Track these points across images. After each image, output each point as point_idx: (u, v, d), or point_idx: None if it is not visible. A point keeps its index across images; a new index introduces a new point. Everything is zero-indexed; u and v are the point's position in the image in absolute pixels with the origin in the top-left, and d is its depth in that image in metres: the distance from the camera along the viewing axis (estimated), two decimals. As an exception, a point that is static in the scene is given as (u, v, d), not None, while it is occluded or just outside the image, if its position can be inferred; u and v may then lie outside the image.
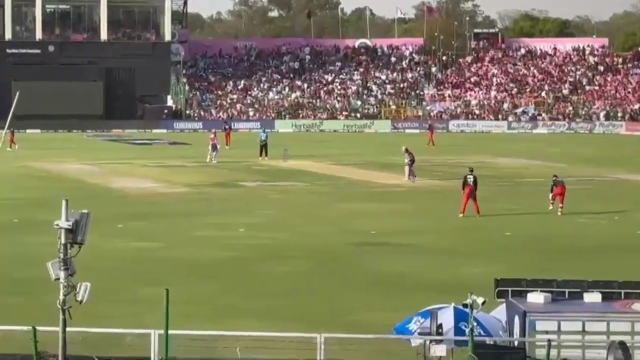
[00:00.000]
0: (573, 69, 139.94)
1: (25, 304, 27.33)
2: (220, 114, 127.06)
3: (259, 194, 60.85)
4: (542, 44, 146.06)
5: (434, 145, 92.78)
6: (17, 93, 24.02)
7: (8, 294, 31.37)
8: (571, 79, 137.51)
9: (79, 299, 14.16)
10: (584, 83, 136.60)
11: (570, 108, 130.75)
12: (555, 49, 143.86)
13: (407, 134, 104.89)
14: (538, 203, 52.84)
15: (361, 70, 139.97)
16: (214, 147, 79.77)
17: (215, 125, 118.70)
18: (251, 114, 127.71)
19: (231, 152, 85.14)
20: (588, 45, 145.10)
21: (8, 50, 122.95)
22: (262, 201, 57.33)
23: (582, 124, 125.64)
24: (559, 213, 51.13)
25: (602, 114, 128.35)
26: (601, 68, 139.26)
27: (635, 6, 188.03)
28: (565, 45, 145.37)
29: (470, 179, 52.20)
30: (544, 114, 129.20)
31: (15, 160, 61.40)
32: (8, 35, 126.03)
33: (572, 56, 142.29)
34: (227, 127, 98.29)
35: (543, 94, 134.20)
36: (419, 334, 26.56)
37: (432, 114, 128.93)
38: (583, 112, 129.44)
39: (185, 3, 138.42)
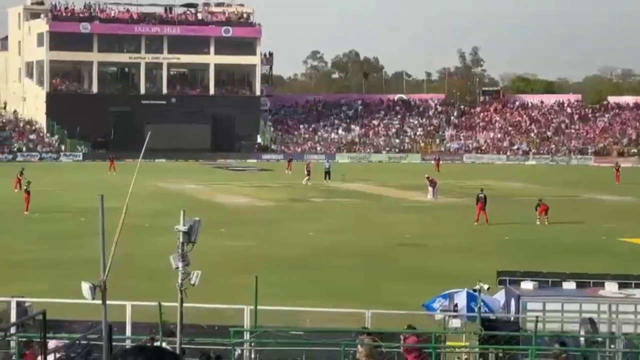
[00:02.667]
0: (555, 117, 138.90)
1: (154, 286, 27.44)
2: (296, 148, 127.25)
3: (324, 207, 60.84)
4: (532, 99, 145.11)
5: (439, 172, 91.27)
6: (149, 133, 24.03)
7: (142, 279, 31.57)
8: (554, 124, 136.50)
9: (192, 282, 14.17)
10: (563, 127, 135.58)
11: (553, 146, 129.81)
12: (542, 102, 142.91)
13: (431, 164, 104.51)
14: (528, 215, 52.52)
15: (399, 117, 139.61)
16: (309, 173, 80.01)
17: (294, 156, 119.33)
18: (318, 148, 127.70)
19: (294, 176, 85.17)
20: (566, 100, 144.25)
21: (142, 102, 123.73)
22: (326, 213, 57.30)
23: (562, 157, 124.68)
24: (546, 223, 50.90)
25: (576, 150, 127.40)
26: (576, 117, 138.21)
27: (602, 70, 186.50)
28: (550, 99, 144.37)
29: (482, 196, 52.24)
30: (533, 150, 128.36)
31: (148, 181, 61.77)
32: (142, 91, 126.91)
33: (555, 107, 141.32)
34: (290, 158, 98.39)
35: (532, 135, 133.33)
36: (441, 310, 26.43)
37: (450, 149, 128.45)
38: (563, 149, 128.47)
39: (270, 68, 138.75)
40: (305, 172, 79.92)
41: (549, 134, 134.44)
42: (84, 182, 73.41)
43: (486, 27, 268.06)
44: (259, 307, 22.98)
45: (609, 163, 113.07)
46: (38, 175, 63.98)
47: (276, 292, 27.99)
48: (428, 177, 67.55)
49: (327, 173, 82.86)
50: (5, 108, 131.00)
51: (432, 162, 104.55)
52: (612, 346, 22.60)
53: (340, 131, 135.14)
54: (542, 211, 51.76)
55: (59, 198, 61.81)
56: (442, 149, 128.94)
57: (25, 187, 56.26)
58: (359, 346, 18.85)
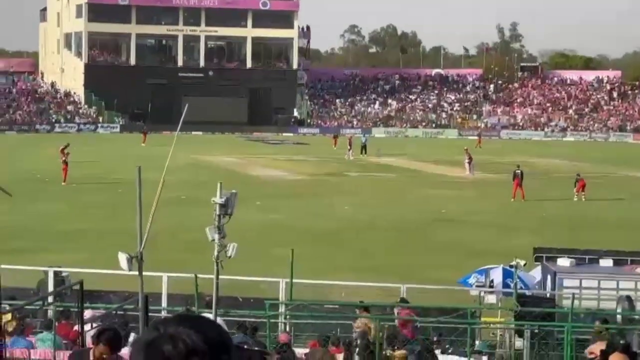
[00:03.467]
0: (594, 93, 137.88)
1: (190, 258, 27.55)
2: (332, 122, 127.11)
3: (359, 182, 60.81)
4: (571, 75, 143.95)
5: (481, 147, 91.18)
6: (186, 105, 24.05)
7: (178, 251, 31.71)
8: (592, 101, 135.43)
9: (228, 255, 14.19)
10: (602, 104, 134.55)
11: (591, 122, 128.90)
12: (581, 78, 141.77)
13: (469, 140, 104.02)
14: (566, 192, 52.27)
15: (436, 92, 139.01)
16: (350, 148, 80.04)
17: (329, 131, 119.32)
18: (354, 122, 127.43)
19: (339, 151, 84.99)
20: (606, 76, 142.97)
21: (179, 74, 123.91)
22: (361, 187, 57.29)
23: (600, 134, 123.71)
24: (583, 199, 50.75)
25: (615, 128, 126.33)
26: (615, 93, 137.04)
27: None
28: (589, 76, 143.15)
29: (518, 172, 52.09)
30: (571, 127, 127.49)
31: (185, 153, 61.85)
32: (180, 63, 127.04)
33: (594, 84, 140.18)
34: (336, 134, 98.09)
35: (571, 111, 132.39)
36: (476, 286, 26.40)
37: (487, 125, 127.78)
38: (601, 126, 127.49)
39: (308, 41, 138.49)
40: (348, 147, 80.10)
41: (587, 110, 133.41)
42: (121, 154, 73.72)
43: (526, 2, 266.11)
44: (294, 280, 23.04)
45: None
46: (75, 146, 64.20)
47: (311, 265, 28.02)
48: (467, 150, 67.16)
49: (364, 147, 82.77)
50: (43, 79, 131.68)
51: (476, 137, 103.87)
52: (649, 324, 22.46)
53: (376, 106, 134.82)
54: (580, 187, 51.72)
55: (96, 169, 62.14)
56: (479, 124, 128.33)
57: (64, 159, 56.65)
58: (357, 320, 18.90)
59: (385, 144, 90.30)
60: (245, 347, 13.23)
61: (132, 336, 14.64)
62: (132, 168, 12.00)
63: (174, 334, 2.40)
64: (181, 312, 2.30)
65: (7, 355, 11.56)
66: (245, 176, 59.83)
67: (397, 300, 21.71)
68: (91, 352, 9.66)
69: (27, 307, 18.15)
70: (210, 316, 15.25)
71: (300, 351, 17.06)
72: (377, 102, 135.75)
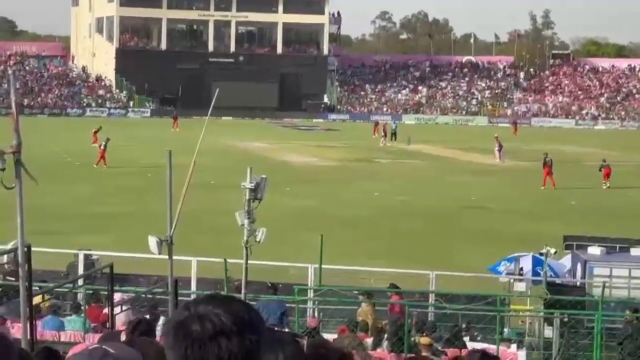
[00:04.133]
0: (626, 81, 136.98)
1: (220, 242, 27.61)
2: (362, 108, 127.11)
3: (390, 168, 60.75)
4: (603, 63, 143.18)
5: (516, 135, 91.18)
6: (217, 90, 24.07)
7: (208, 235, 31.79)
8: (624, 89, 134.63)
9: (258, 239, 14.20)
10: (634, 92, 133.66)
11: (623, 111, 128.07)
12: (613, 66, 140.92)
13: (499, 127, 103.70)
14: (596, 181, 52.01)
15: (467, 79, 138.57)
16: (385, 135, 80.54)
17: (359, 117, 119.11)
18: (384, 109, 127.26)
19: (376, 138, 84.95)
20: (639, 64, 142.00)
21: (210, 59, 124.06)
22: (391, 173, 57.23)
23: (632, 122, 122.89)
24: (604, 187, 50.80)
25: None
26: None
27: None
28: (621, 63, 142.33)
29: (548, 160, 51.99)
30: (602, 115, 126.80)
31: (215, 138, 61.97)
32: (210, 49, 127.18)
33: (626, 72, 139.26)
34: (377, 121, 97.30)
35: (602, 99, 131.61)
36: (506, 274, 26.32)
37: (518, 112, 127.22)
38: (633, 114, 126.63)
39: (339, 27, 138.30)
40: (382, 134, 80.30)
41: (619, 98, 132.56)
42: (152, 138, 73.97)
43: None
44: (323, 266, 23.03)
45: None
46: (106, 130, 64.55)
47: (340, 251, 28.02)
48: (497, 137, 67.21)
49: (394, 134, 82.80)
50: (74, 63, 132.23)
51: (510, 125, 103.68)
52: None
53: (407, 92, 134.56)
54: (605, 175, 51.73)
55: (127, 153, 62.37)
56: (510, 112, 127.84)
57: (103, 143, 57.22)
58: (363, 304, 18.90)
59: (415, 131, 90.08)
60: (276, 328, 13.23)
61: (161, 320, 14.67)
62: (162, 152, 12.02)
63: (202, 314, 2.39)
64: (212, 293, 2.28)
65: (38, 337, 11.61)
66: (275, 162, 59.86)
67: (387, 285, 21.72)
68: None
69: (57, 289, 18.24)
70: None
71: (328, 337, 17.06)
72: (408, 89, 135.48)
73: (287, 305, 20.80)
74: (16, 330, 12.35)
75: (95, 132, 67.25)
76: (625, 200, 46.74)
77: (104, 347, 3.22)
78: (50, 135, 74.67)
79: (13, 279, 16.92)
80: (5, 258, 20.94)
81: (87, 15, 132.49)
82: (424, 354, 14.04)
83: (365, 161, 64.50)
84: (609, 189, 50.52)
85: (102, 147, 56.67)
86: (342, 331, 18.41)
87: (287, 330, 15.12)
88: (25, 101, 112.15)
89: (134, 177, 50.53)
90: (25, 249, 9.79)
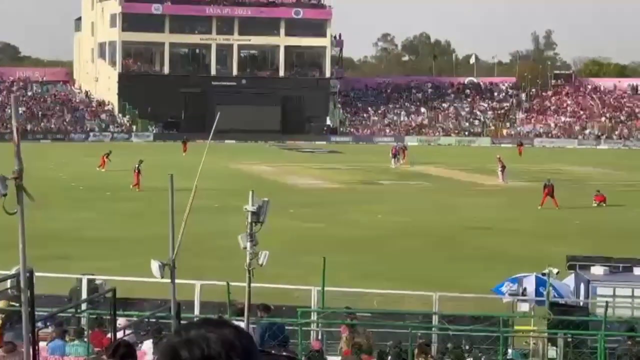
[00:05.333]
0: (628, 101, 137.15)
1: (222, 265, 27.60)
2: (365, 130, 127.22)
3: (393, 190, 60.80)
4: (605, 82, 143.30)
5: (520, 156, 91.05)
6: (219, 113, 24.16)
7: (211, 258, 31.78)
8: (627, 109, 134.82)
9: (260, 262, 14.21)
10: (637, 112, 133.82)
11: (625, 130, 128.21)
12: (615, 86, 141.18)
13: (502, 148, 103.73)
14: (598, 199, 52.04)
15: (469, 100, 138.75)
16: (395, 156, 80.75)
17: (362, 139, 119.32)
18: (387, 131, 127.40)
19: (376, 158, 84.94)
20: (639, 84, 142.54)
21: (213, 83, 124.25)
22: (394, 195, 57.27)
23: (635, 142, 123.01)
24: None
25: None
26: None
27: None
28: (623, 83, 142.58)
29: (549, 184, 52.19)
30: (605, 135, 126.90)
31: (218, 161, 61.99)
32: (213, 72, 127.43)
33: (628, 92, 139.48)
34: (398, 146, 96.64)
35: (604, 119, 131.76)
36: (509, 294, 26.31)
37: (521, 133, 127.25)
38: (636, 134, 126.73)
39: (340, 50, 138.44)
40: (391, 156, 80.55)
41: (621, 118, 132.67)
42: (155, 162, 73.96)
43: (559, 10, 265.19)
44: (326, 288, 23.03)
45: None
46: (117, 154, 64.83)
47: (344, 273, 28.02)
48: (499, 158, 67.25)
49: (396, 155, 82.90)
50: (77, 87, 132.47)
51: (515, 145, 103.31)
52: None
53: (409, 114, 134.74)
54: (600, 200, 52.22)
55: (131, 177, 62.38)
56: (513, 132, 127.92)
57: (136, 166, 57.54)
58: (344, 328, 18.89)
59: (418, 152, 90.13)
60: (273, 352, 13.22)
61: (144, 343, 14.70)
62: (166, 176, 12.07)
63: (192, 339, 2.42)
64: (206, 317, 2.28)
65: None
66: (278, 184, 59.90)
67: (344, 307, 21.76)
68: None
69: (59, 314, 18.24)
70: (243, 324, 15.28)
71: (332, 359, 17.07)
72: (410, 111, 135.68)
73: (291, 327, 20.79)
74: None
75: (105, 156, 67.93)
76: (628, 220, 46.70)
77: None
78: (53, 160, 74.75)
79: (17, 304, 16.94)
80: (8, 283, 20.95)
81: (89, 40, 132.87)
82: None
83: (369, 183, 64.56)
84: (611, 208, 50.51)
85: (136, 171, 57.22)
86: (345, 353, 18.41)
87: (285, 353, 15.10)
88: (29, 126, 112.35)
89: (138, 201, 50.56)
90: (28, 274, 9.82)
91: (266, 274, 16.88)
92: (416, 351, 17.10)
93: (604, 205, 51.35)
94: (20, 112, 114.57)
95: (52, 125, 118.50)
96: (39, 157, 67.03)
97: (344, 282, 25.66)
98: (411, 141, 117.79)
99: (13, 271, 15.88)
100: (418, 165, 78.84)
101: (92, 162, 68.31)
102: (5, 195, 9.17)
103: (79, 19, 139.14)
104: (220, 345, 2.41)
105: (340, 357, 17.64)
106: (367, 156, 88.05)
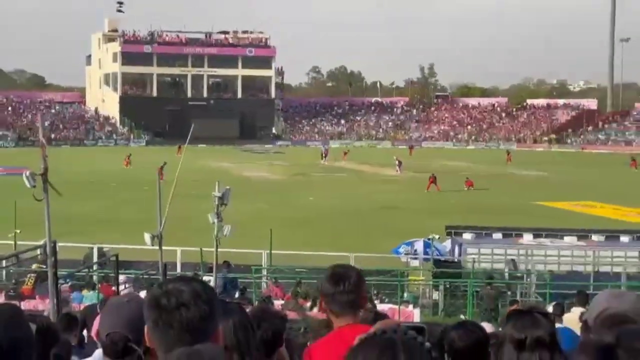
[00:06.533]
0: (488, 114, 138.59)
1: (198, 236, 27.43)
2: (301, 137, 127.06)
3: (321, 180, 60.82)
4: (472, 101, 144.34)
5: (411, 156, 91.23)
6: (193, 125, 24.04)
7: (190, 231, 31.50)
8: (487, 120, 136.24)
9: (225, 234, 14.19)
10: (494, 122, 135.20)
11: (487, 135, 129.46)
12: (479, 103, 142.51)
13: (399, 148, 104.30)
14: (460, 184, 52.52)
15: (375, 114, 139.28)
16: (323, 156, 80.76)
17: (299, 143, 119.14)
18: (316, 137, 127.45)
19: (308, 157, 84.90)
20: (497, 102, 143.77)
21: (189, 103, 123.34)
22: (322, 184, 57.30)
23: (493, 144, 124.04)
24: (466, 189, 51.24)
25: (503, 139, 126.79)
26: (503, 114, 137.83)
27: (523, 80, 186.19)
28: (484, 101, 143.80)
29: (432, 175, 52.63)
30: (472, 139, 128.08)
31: (194, 160, 61.59)
32: (189, 95, 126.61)
33: (488, 107, 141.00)
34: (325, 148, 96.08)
35: (471, 127, 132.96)
36: (405, 254, 26.49)
37: (413, 138, 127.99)
38: (494, 138, 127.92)
39: (282, 78, 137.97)
40: (322, 155, 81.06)
41: (484, 126, 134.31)
42: (155, 162, 73.18)
43: (439, 48, 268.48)
44: (274, 252, 23.02)
45: (527, 148, 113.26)
46: (114, 156, 63.93)
47: (286, 241, 28.01)
48: (396, 158, 67.99)
49: (323, 154, 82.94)
50: (88, 106, 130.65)
51: (407, 147, 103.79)
52: (528, 279, 22.71)
53: (332, 124, 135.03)
54: (469, 184, 52.20)
55: (129, 173, 61.81)
56: (406, 137, 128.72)
57: (161, 166, 55.51)
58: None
59: (339, 153, 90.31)
60: (227, 300, 13.20)
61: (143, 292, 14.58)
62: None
63: (169, 291, 2.44)
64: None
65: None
66: (237, 176, 59.65)
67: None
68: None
69: (77, 273, 18.04)
70: (212, 278, 15.22)
71: (278, 302, 17.07)
72: (333, 122, 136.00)
73: (248, 281, 20.76)
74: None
75: (128, 157, 68.50)
76: (489, 199, 47.22)
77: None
78: (73, 161, 73.61)
79: (44, 266, 16.76)
80: (38, 251, 20.67)
81: (97, 71, 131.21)
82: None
83: (304, 175, 64.49)
84: (474, 191, 50.98)
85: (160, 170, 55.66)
86: (287, 298, 18.44)
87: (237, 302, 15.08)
88: (52, 135, 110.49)
89: (135, 191, 50.03)
90: (52, 244, 9.71)
91: (229, 242, 16.81)
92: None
93: (472, 189, 51.88)
94: (45, 124, 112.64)
95: (70, 135, 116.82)
96: (69, 160, 65.93)
97: (286, 247, 25.67)
98: (334, 144, 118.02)
99: (41, 242, 15.69)
100: (338, 162, 79.01)
101: (102, 163, 67.29)
102: (34, 187, 9.10)
103: (89, 55, 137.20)
104: (190, 295, 2.43)
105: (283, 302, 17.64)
106: (302, 155, 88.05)
